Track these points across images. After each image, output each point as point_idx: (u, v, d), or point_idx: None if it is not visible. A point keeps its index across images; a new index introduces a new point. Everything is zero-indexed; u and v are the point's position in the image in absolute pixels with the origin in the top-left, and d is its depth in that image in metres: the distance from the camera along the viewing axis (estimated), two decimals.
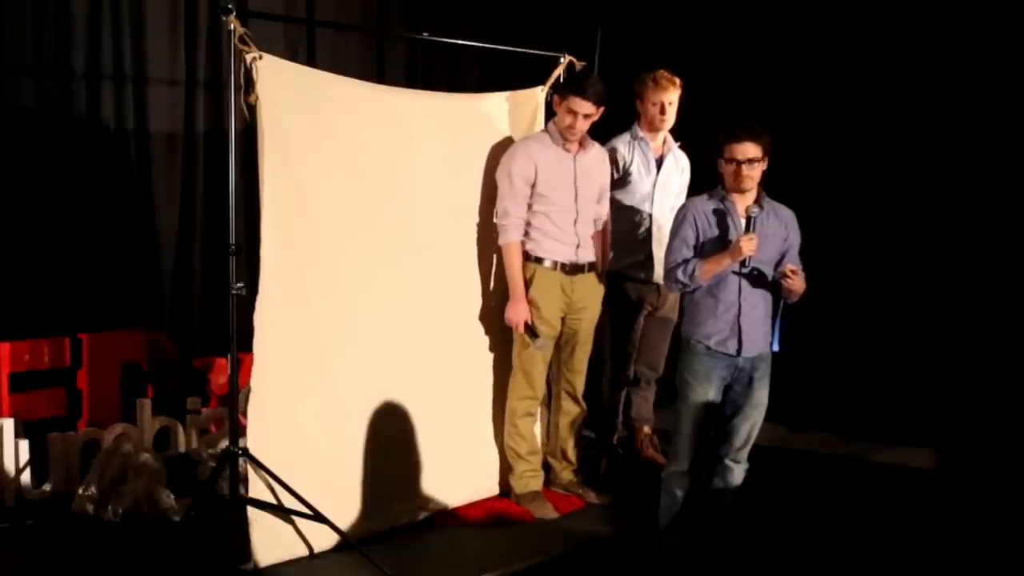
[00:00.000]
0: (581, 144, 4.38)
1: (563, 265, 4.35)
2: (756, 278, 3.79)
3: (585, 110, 4.24)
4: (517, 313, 4.31)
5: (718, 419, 3.88)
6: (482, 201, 4.45)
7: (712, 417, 3.86)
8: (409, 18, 6.51)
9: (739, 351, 3.79)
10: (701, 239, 3.81)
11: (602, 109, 4.31)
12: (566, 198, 4.33)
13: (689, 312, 3.95)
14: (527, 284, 4.33)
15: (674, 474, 3.92)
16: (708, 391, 3.81)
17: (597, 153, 4.48)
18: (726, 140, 3.71)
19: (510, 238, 4.32)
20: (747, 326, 3.78)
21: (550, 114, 4.69)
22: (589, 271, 4.44)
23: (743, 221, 3.75)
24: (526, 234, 4.34)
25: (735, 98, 6.02)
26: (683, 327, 3.98)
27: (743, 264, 3.72)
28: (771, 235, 3.80)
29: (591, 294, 4.45)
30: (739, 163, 3.70)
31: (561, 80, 4.62)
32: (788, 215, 3.88)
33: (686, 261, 3.79)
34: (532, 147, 4.35)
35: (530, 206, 4.32)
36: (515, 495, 4.47)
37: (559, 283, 4.35)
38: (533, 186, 4.29)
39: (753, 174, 3.72)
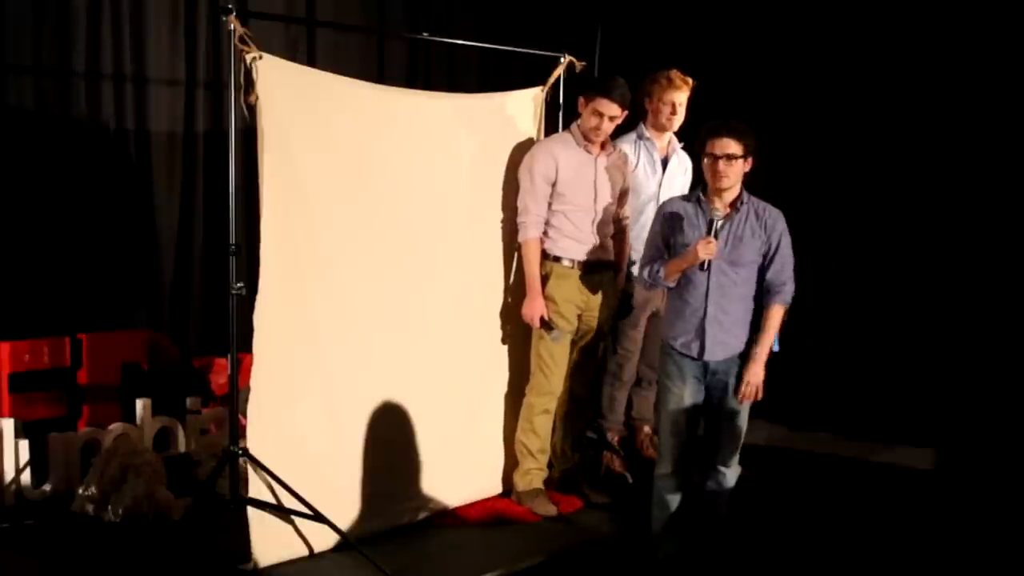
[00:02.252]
0: (603, 146, 4.40)
1: (580, 263, 4.37)
2: (730, 282, 3.74)
3: (611, 112, 4.27)
4: (533, 308, 4.33)
5: (702, 420, 3.87)
6: (480, 201, 4.45)
7: (692, 418, 3.83)
8: (409, 18, 6.50)
9: (701, 354, 3.76)
10: (671, 239, 3.80)
11: (627, 112, 4.33)
12: (585, 198, 4.35)
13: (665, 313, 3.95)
14: (544, 280, 4.35)
15: (660, 476, 3.93)
16: (683, 392, 3.80)
17: (618, 156, 4.51)
18: (706, 135, 3.69)
19: (529, 235, 4.34)
20: (713, 330, 3.74)
21: (551, 114, 4.71)
22: (607, 270, 4.45)
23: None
24: (545, 232, 4.36)
25: (735, 98, 6.01)
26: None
27: (702, 267, 3.69)
28: (747, 238, 3.73)
29: (608, 292, 4.47)
30: (716, 158, 3.65)
31: (561, 81, 4.64)
32: (774, 216, 3.78)
33: (654, 260, 3.80)
34: (554, 147, 4.38)
35: (549, 205, 4.34)
36: (517, 491, 4.48)
37: (576, 281, 4.37)
38: (553, 185, 4.32)
39: (730, 171, 3.66)
